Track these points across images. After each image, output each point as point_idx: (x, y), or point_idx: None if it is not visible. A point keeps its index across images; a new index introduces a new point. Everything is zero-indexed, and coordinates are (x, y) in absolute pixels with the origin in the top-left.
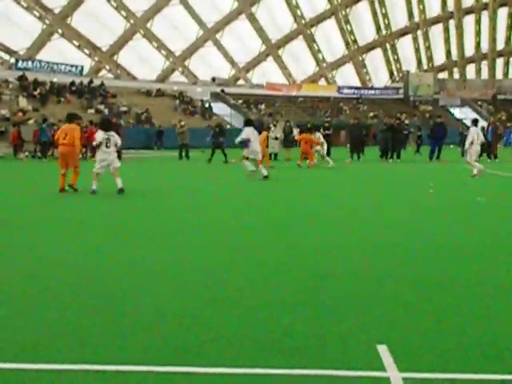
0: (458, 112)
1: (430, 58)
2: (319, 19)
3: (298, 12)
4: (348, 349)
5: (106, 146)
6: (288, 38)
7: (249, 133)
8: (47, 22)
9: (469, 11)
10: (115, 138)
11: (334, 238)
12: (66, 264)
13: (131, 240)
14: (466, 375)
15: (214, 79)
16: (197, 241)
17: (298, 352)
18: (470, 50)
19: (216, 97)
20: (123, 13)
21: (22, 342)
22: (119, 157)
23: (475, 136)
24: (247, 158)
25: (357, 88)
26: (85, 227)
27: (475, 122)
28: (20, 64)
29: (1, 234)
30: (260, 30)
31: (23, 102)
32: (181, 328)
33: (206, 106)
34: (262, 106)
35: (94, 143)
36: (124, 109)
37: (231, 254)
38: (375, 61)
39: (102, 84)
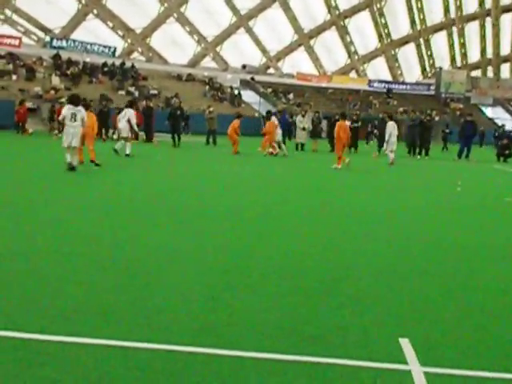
0: (490, 111)
1: (464, 55)
2: (353, 11)
3: (333, 2)
4: (370, 340)
5: (73, 120)
6: (321, 29)
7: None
8: (83, 1)
9: (506, 9)
10: (82, 113)
11: (359, 230)
12: (93, 241)
13: (156, 222)
14: (486, 373)
15: (244, 66)
16: (221, 226)
17: (319, 340)
18: (505, 49)
19: (246, 84)
20: None
21: (49, 315)
22: (150, 139)
23: None
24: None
25: (387, 82)
26: (111, 206)
27: None
28: (55, 43)
29: (26, 209)
30: (293, 19)
31: (56, 80)
32: (203, 310)
33: (236, 93)
34: (291, 96)
35: (60, 118)
36: (154, 92)
37: (255, 240)
38: (408, 56)
39: (134, 66)
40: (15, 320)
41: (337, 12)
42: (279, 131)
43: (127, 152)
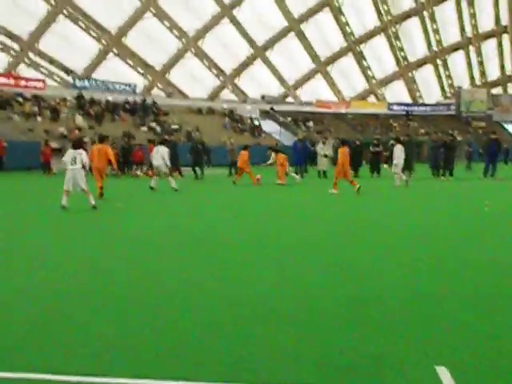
0: None
1: (482, 73)
2: (368, 36)
3: (348, 29)
4: (405, 369)
5: (73, 163)
6: (337, 55)
7: None
8: (103, 42)
9: None
10: (82, 156)
11: (387, 254)
12: (120, 279)
13: (180, 255)
14: None
15: (263, 97)
16: (246, 257)
17: (353, 371)
18: None
19: (265, 114)
20: (175, 32)
21: (80, 355)
22: (180, 173)
23: None
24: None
25: (407, 104)
26: (132, 242)
27: None
28: (77, 83)
29: (63, 247)
30: (309, 48)
31: (79, 119)
32: (236, 344)
33: (256, 123)
34: (311, 124)
35: (62, 164)
36: (175, 126)
37: (280, 270)
38: (426, 77)
39: (155, 102)
40: (51, 361)
41: (352, 38)
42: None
43: (173, 186)
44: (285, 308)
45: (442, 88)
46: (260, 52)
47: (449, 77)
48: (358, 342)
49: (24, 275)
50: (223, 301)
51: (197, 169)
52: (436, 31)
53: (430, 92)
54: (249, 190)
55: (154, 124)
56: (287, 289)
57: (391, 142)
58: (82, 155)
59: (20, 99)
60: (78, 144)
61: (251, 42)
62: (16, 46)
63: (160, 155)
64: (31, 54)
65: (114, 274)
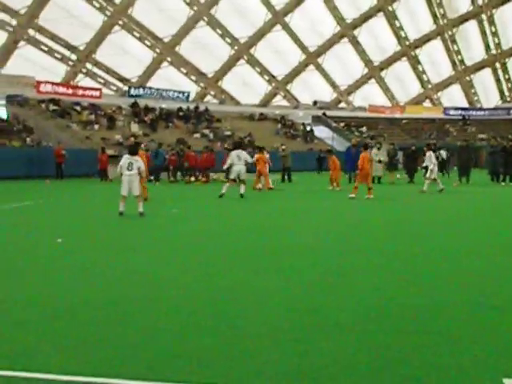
0: None
1: None
2: (424, 40)
3: (402, 34)
4: (471, 382)
5: (130, 169)
6: (391, 60)
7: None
8: (157, 50)
9: None
10: (138, 163)
11: (447, 263)
12: (181, 285)
13: (236, 260)
14: None
15: (315, 102)
16: (303, 263)
17: (416, 382)
18: None
19: (317, 120)
20: (228, 40)
21: (144, 361)
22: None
23: None
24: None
25: (464, 109)
26: (187, 246)
27: None
28: (132, 91)
29: (116, 255)
30: (362, 53)
31: (135, 127)
32: (295, 352)
33: (308, 129)
34: (364, 129)
35: (118, 169)
36: (228, 133)
37: (338, 277)
38: (484, 81)
39: (207, 109)
40: (113, 367)
41: (407, 42)
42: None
43: (242, 192)
44: (343, 317)
45: (501, 92)
46: (312, 58)
47: (508, 80)
48: (421, 352)
49: (95, 278)
50: (281, 307)
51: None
52: (495, 34)
53: (488, 96)
54: (297, 196)
55: (206, 131)
56: (345, 298)
57: (424, 148)
58: (138, 162)
59: (78, 108)
60: (134, 150)
61: (303, 48)
62: (74, 57)
63: (243, 160)
64: (88, 64)
65: (169, 281)
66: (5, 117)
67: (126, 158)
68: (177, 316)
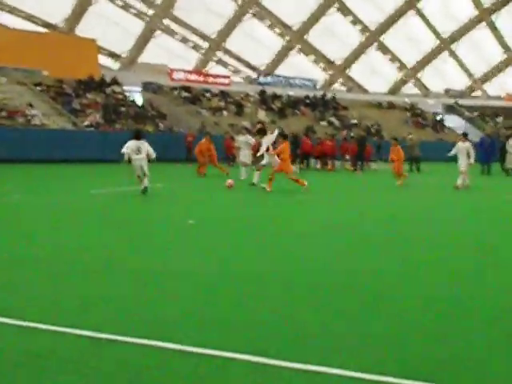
0: None
1: None
2: None
3: None
4: None
5: (138, 153)
6: None
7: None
8: (287, 38)
9: None
10: (145, 146)
11: None
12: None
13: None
14: None
15: (447, 91)
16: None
17: None
18: None
19: (449, 109)
20: (358, 27)
21: (281, 340)
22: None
23: None
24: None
25: None
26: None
27: None
28: (261, 79)
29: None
30: (500, 38)
31: (262, 114)
32: (432, 342)
33: (438, 118)
34: (500, 119)
35: (125, 154)
36: (354, 121)
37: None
38: None
39: (334, 97)
40: (255, 344)
41: None
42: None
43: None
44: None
45: None
46: (446, 44)
47: None
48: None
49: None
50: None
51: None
52: None
53: None
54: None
55: (333, 118)
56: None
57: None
58: (145, 145)
59: (208, 95)
60: (139, 135)
61: (437, 34)
62: (206, 45)
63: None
64: (219, 52)
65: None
66: (140, 103)
67: (133, 143)
68: (312, 296)
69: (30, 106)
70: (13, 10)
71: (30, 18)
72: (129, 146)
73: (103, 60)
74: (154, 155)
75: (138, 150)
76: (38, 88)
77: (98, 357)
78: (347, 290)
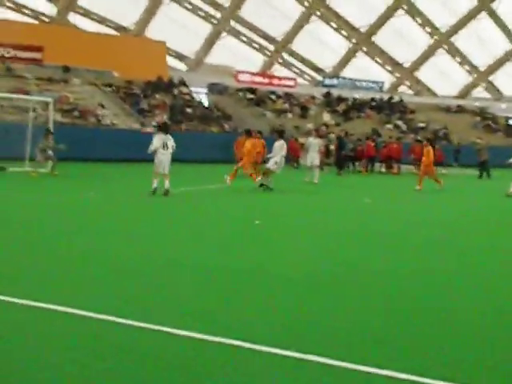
0: None
1: None
2: None
3: None
4: None
5: (165, 148)
6: None
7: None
8: (353, 40)
9: None
10: (171, 142)
11: None
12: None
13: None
14: None
15: None
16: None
17: None
18: None
19: None
20: (427, 29)
21: (332, 340)
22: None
23: None
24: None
25: None
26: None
27: None
28: (326, 81)
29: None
30: None
31: (327, 116)
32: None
33: (511, 123)
34: None
35: (152, 147)
36: (421, 125)
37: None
38: None
39: (401, 100)
40: (300, 341)
41: None
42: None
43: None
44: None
45: None
46: None
47: None
48: None
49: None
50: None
51: None
52: None
53: None
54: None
55: (399, 122)
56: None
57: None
58: (171, 141)
59: (273, 97)
60: (167, 128)
61: (510, 35)
62: (271, 47)
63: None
64: (284, 54)
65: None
66: (206, 104)
67: (160, 138)
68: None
69: (101, 106)
70: (87, 13)
71: (103, 20)
72: (156, 142)
73: (171, 61)
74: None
75: (166, 145)
76: (109, 89)
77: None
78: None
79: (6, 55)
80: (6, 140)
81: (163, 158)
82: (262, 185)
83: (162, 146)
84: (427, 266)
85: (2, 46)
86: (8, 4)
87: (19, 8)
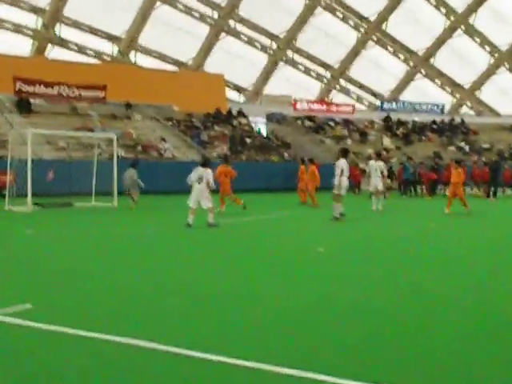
0: None
1: None
2: None
3: None
4: None
5: (199, 182)
6: None
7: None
8: (411, 63)
9: None
10: (208, 176)
11: None
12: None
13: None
14: None
15: None
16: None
17: None
18: None
19: None
20: (487, 48)
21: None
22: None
23: None
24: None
25: None
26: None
27: None
28: (385, 105)
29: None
30: None
31: (387, 141)
32: None
33: None
34: None
35: (188, 180)
36: (486, 146)
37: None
38: None
39: (463, 121)
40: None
41: None
42: None
43: (379, 208)
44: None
45: None
46: None
47: None
48: None
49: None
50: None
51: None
52: None
53: None
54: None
55: (462, 143)
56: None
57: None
58: (208, 174)
59: (331, 123)
60: (206, 162)
61: None
62: (328, 74)
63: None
64: (342, 81)
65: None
66: (265, 133)
67: (196, 172)
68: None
69: (163, 140)
70: (147, 51)
71: (162, 57)
72: (193, 175)
73: (229, 93)
74: (213, 186)
75: (200, 179)
76: (169, 123)
77: None
78: None
79: (71, 95)
80: (73, 177)
81: (195, 191)
82: (341, 214)
83: (198, 179)
84: None
85: (68, 86)
86: (71, 46)
87: (82, 50)
